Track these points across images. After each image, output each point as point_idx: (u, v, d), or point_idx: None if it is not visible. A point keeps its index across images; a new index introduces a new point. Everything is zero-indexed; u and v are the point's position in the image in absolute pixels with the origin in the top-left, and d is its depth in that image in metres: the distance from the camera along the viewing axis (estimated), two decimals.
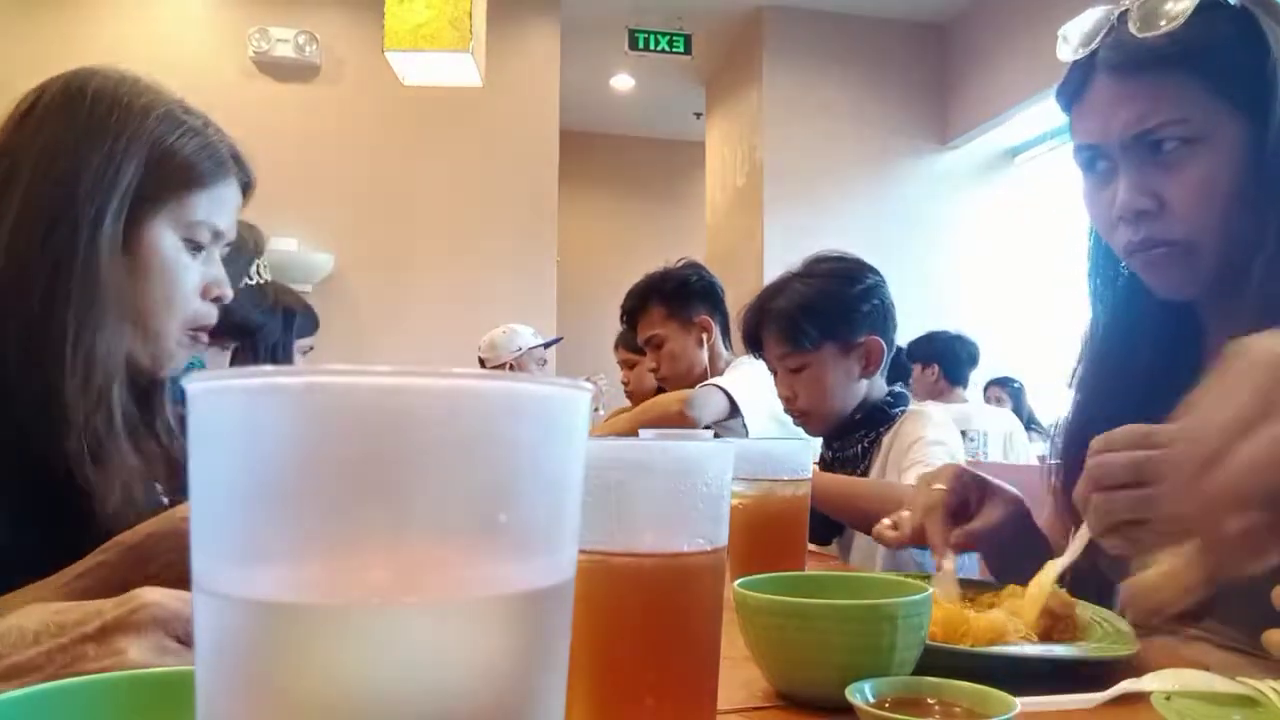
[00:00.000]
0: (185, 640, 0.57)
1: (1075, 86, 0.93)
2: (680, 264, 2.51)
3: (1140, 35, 0.85)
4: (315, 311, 1.96)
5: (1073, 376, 1.05)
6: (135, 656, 0.55)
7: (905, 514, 1.00)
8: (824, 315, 1.55)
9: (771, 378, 2.04)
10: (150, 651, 0.56)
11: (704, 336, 2.40)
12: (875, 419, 1.58)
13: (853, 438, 1.59)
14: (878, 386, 1.62)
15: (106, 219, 0.87)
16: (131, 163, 0.88)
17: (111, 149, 0.88)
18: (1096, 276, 1.03)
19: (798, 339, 1.55)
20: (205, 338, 0.98)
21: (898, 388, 1.66)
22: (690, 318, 2.40)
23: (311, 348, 2.04)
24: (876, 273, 1.61)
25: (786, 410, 1.64)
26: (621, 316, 2.54)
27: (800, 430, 1.83)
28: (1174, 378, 0.97)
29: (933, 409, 1.63)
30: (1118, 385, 1.00)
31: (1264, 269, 0.85)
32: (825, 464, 1.65)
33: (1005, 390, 4.37)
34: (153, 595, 0.58)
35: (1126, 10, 0.87)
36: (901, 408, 1.60)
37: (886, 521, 1.02)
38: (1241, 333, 0.90)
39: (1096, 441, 0.69)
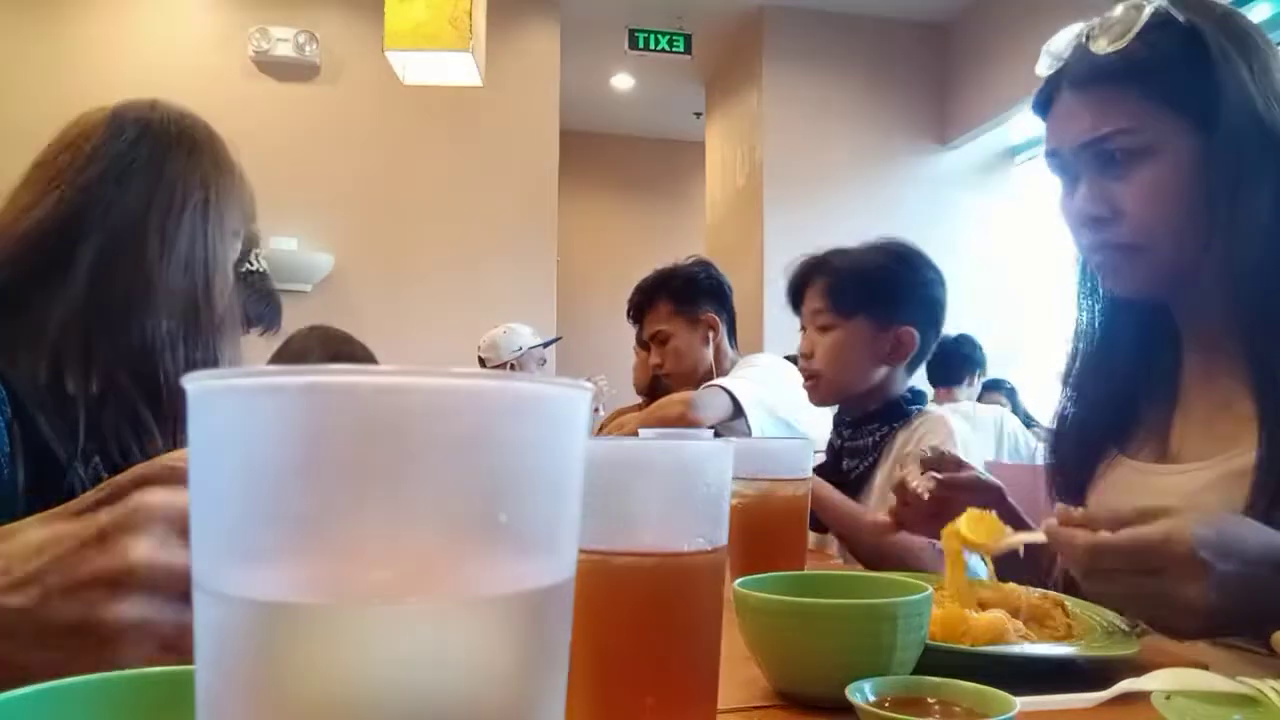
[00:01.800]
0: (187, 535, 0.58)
1: (1045, 99, 1.00)
2: (689, 261, 2.49)
3: (1096, 51, 0.91)
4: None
5: (1064, 375, 1.08)
6: (140, 554, 0.55)
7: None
8: (871, 286, 1.53)
9: (774, 376, 2.02)
10: (154, 548, 0.55)
11: (710, 334, 2.38)
12: (892, 413, 1.55)
13: (865, 429, 1.56)
14: (899, 381, 1.59)
15: (228, 248, 1.05)
16: (234, 203, 1.06)
17: (224, 187, 1.05)
18: (1083, 278, 1.07)
19: (837, 299, 1.54)
20: None
21: (917, 386, 1.63)
22: (697, 315, 2.38)
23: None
24: (938, 272, 1.59)
25: (800, 368, 1.61)
26: (628, 312, 2.50)
27: (800, 429, 1.81)
28: (1154, 372, 1.00)
29: (952, 419, 1.58)
30: (1102, 382, 1.04)
31: (1213, 267, 0.90)
32: (833, 450, 1.62)
33: (1000, 393, 4.35)
34: (148, 494, 0.58)
35: (1094, 28, 0.93)
36: (919, 406, 1.57)
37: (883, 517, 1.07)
38: (1207, 328, 0.94)
39: (1087, 550, 0.71)
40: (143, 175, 1.00)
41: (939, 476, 1.02)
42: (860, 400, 1.57)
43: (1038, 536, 0.78)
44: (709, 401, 2.14)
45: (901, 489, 1.05)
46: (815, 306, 1.57)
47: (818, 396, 1.62)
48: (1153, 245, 0.92)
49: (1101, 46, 0.91)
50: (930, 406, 1.59)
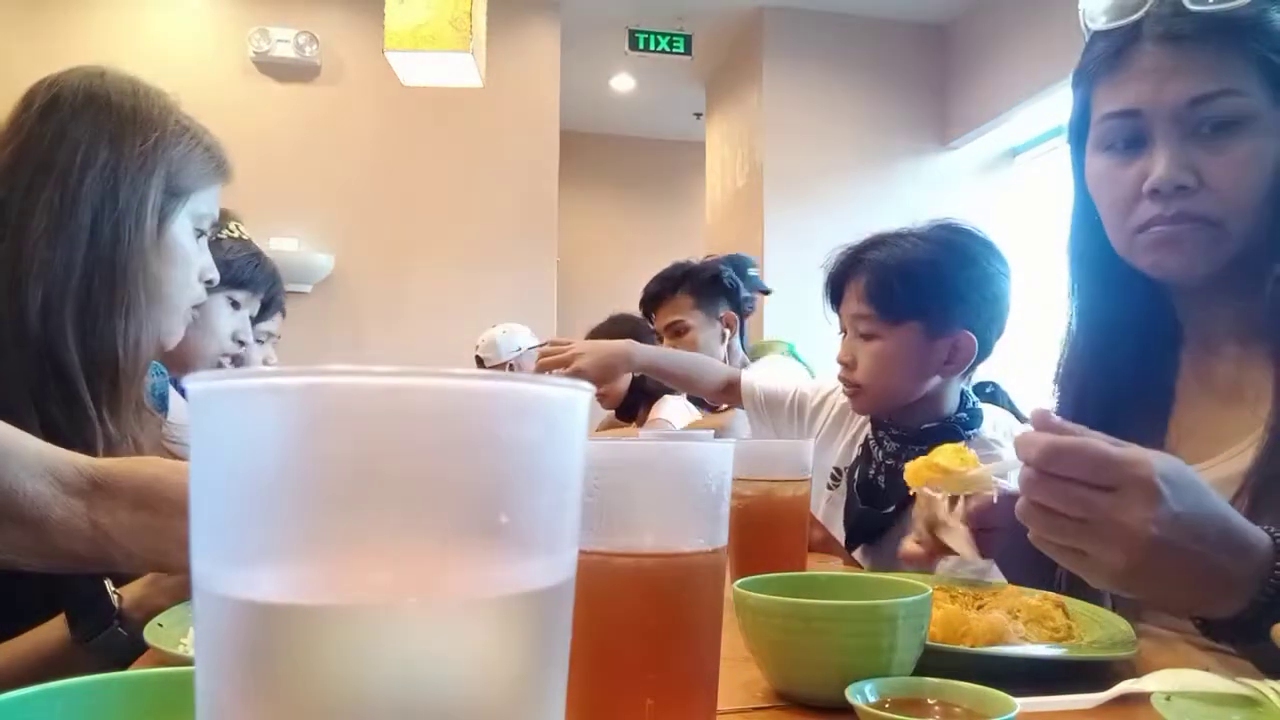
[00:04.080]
0: None
1: (1109, 57, 0.90)
2: (709, 259, 2.55)
3: (1194, 9, 0.84)
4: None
5: (1057, 374, 1.05)
6: None
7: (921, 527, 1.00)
8: (923, 288, 1.30)
9: (787, 379, 1.99)
10: None
11: (726, 332, 2.44)
12: (945, 437, 1.27)
13: (912, 449, 1.32)
14: (953, 391, 1.38)
15: (146, 213, 0.97)
16: (160, 163, 0.98)
17: (142, 149, 0.97)
18: (1079, 272, 1.03)
19: (883, 304, 1.31)
20: (197, 313, 1.11)
21: (973, 403, 1.42)
22: (717, 311, 2.44)
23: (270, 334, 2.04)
24: (1003, 262, 1.37)
25: (840, 377, 1.41)
26: (642, 300, 2.52)
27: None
28: (1155, 371, 0.99)
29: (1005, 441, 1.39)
30: (1101, 380, 1.01)
31: (1262, 262, 0.86)
32: (869, 459, 1.42)
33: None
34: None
35: None
36: (975, 430, 1.36)
37: (911, 538, 1.01)
38: (1221, 327, 0.92)
39: (1045, 447, 0.67)
40: (47, 143, 0.94)
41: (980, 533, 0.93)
42: (907, 412, 1.36)
43: (1008, 464, 0.75)
44: (740, 427, 2.17)
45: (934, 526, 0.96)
46: (856, 311, 1.34)
47: (860, 407, 1.43)
48: (1229, 222, 0.86)
49: (1208, 1, 0.84)
50: (984, 429, 1.39)
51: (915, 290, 1.30)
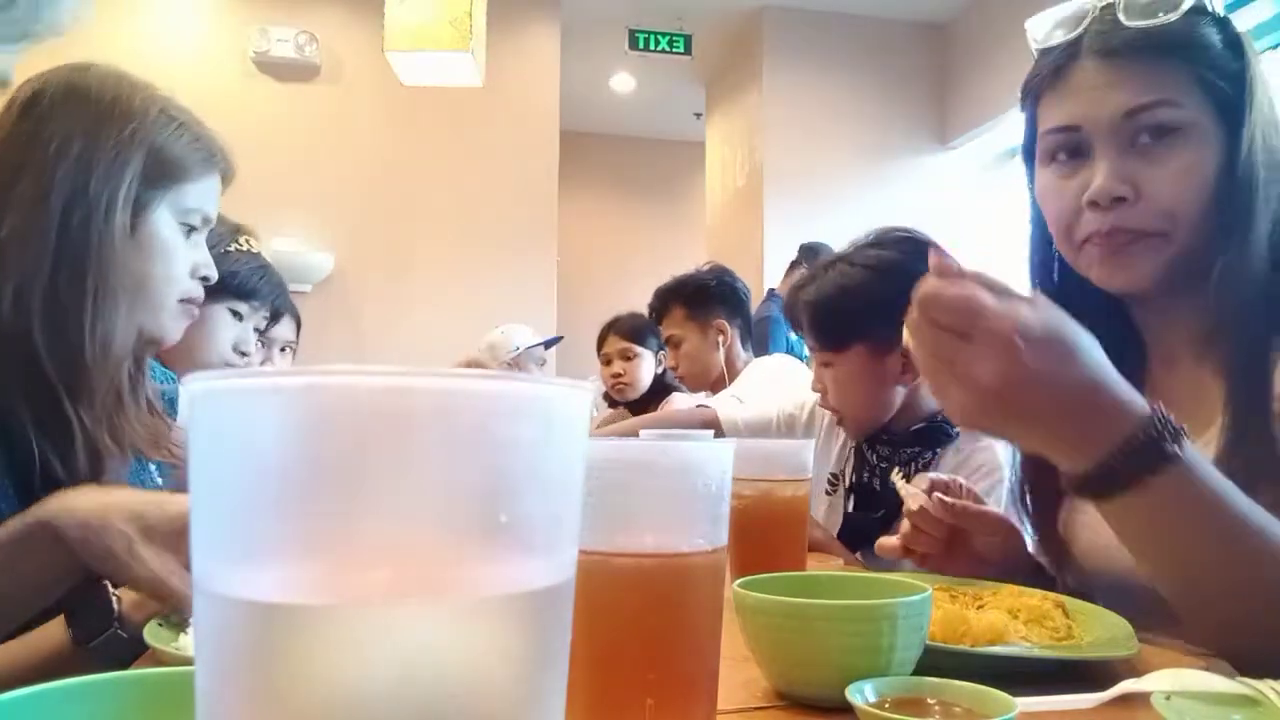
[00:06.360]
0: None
1: (1050, 73, 0.92)
2: (705, 268, 2.66)
3: (1130, 24, 0.86)
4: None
5: None
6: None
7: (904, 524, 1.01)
8: (856, 313, 1.36)
9: (780, 381, 2.01)
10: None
11: (720, 340, 2.51)
12: (936, 436, 1.38)
13: (903, 451, 1.39)
14: (928, 393, 1.36)
15: (118, 205, 0.94)
16: (136, 154, 0.96)
17: (118, 140, 0.95)
18: (1035, 285, 1.03)
19: (823, 336, 1.40)
20: (196, 310, 1.07)
21: None
22: (708, 320, 2.52)
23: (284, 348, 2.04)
24: None
25: (820, 404, 1.50)
26: (649, 314, 2.69)
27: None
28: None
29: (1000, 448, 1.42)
30: None
31: (1221, 273, 0.86)
32: (864, 467, 1.46)
33: None
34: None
35: (1112, 2, 0.88)
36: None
37: (891, 538, 1.02)
38: (1178, 335, 0.92)
39: (924, 291, 0.68)
40: (24, 140, 0.93)
41: (948, 500, 0.96)
42: (891, 421, 1.41)
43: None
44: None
45: (918, 514, 0.98)
46: (810, 343, 1.43)
47: (848, 431, 1.48)
48: (1172, 232, 0.87)
49: (1143, 17, 0.86)
50: None
51: (848, 317, 1.37)
